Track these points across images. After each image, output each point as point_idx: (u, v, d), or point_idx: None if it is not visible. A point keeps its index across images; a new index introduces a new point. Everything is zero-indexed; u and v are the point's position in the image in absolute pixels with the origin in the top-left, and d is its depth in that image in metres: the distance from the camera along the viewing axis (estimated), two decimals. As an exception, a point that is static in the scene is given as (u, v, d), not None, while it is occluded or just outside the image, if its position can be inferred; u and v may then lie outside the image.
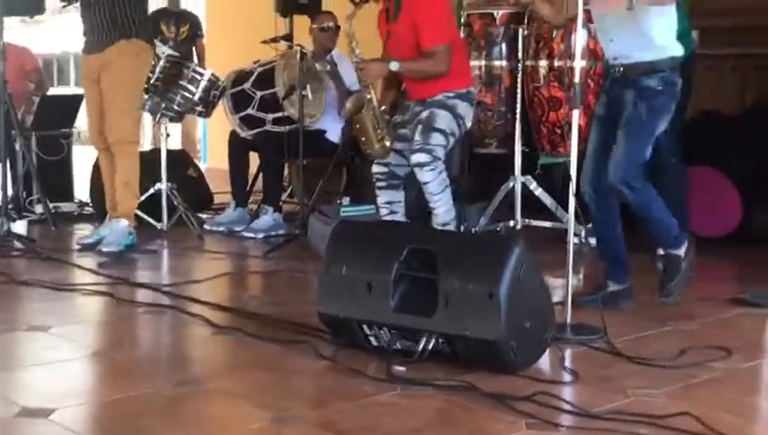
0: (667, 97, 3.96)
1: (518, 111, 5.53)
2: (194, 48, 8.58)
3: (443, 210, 4.60)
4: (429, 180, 4.54)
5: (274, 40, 6.13)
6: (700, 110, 6.53)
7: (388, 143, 4.67)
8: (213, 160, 9.64)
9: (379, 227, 3.56)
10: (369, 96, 4.66)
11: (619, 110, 4.02)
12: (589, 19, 4.52)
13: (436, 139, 4.56)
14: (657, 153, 5.11)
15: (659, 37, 3.96)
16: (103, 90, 5.32)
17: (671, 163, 5.34)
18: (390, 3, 4.70)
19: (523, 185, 5.55)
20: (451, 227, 4.62)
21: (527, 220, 5.55)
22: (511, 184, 5.56)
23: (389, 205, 4.74)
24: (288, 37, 6.06)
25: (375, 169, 4.76)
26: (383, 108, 4.73)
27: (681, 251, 4.16)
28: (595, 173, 4.06)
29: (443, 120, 4.61)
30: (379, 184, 4.75)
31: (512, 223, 5.55)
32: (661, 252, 4.32)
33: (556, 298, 3.73)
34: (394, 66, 4.60)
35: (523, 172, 5.58)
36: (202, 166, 9.81)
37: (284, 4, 6.14)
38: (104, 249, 5.25)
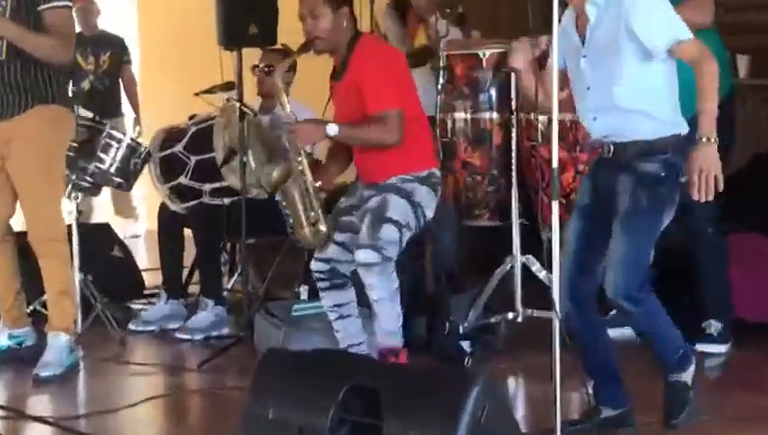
0: (670, 184, 4.03)
1: (514, 174, 5.63)
2: (120, 79, 8.80)
3: (388, 318, 4.72)
4: (375, 285, 4.65)
5: (209, 91, 6.25)
6: (753, 154, 6.66)
7: (323, 228, 4.74)
8: (153, 222, 9.79)
9: (315, 359, 3.70)
10: (299, 165, 4.75)
11: (610, 200, 4.09)
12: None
13: (388, 233, 4.65)
14: (690, 221, 5.26)
15: (656, 108, 4.02)
16: (16, 169, 5.25)
17: (708, 233, 5.44)
18: (337, 59, 4.88)
19: (524, 266, 5.64)
20: (397, 339, 4.74)
21: (529, 311, 5.61)
22: (508, 265, 5.65)
23: (338, 308, 4.86)
24: (229, 86, 6.13)
25: (314, 266, 4.84)
26: (318, 184, 4.80)
27: (688, 376, 4.22)
28: (572, 280, 4.13)
29: (396, 208, 4.70)
30: (320, 285, 4.85)
31: (511, 315, 5.62)
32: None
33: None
34: (331, 130, 4.68)
35: (524, 250, 5.67)
36: (140, 229, 10.06)
37: (231, 36, 6.16)
38: (42, 374, 5.23)
